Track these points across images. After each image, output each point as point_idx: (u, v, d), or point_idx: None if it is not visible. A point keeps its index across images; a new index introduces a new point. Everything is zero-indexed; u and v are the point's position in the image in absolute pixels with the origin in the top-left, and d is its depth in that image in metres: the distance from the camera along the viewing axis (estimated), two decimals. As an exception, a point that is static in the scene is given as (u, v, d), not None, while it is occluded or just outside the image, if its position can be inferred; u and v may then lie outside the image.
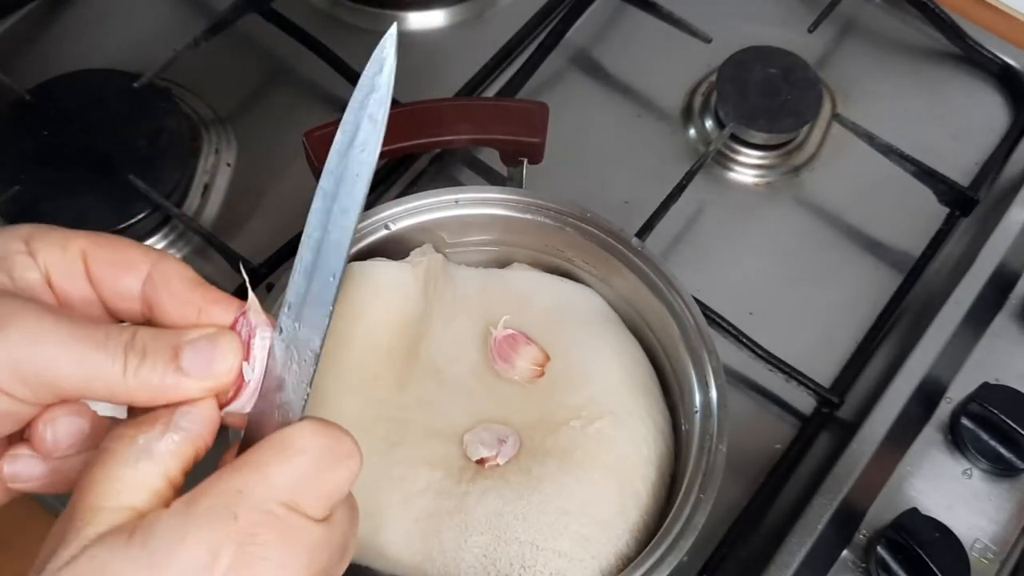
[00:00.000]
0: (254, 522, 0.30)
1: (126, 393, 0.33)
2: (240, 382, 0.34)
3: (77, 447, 0.34)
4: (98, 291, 0.36)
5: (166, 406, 0.33)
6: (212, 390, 0.34)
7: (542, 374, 0.53)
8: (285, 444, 0.32)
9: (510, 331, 0.54)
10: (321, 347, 0.33)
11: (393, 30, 0.33)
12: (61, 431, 0.34)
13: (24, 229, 0.36)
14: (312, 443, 0.32)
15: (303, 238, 0.33)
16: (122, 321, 0.37)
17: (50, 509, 0.57)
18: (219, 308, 0.35)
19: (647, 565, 0.46)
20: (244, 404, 0.34)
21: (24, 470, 0.35)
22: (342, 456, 0.33)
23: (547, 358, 0.53)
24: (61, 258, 0.35)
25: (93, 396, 0.33)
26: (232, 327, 0.35)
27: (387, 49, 0.33)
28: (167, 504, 0.31)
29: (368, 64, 0.33)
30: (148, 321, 0.36)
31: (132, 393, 0.33)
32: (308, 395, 0.33)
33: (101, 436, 0.34)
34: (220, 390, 0.34)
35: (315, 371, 0.33)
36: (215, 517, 0.30)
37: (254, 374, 0.34)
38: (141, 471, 0.31)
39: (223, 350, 0.34)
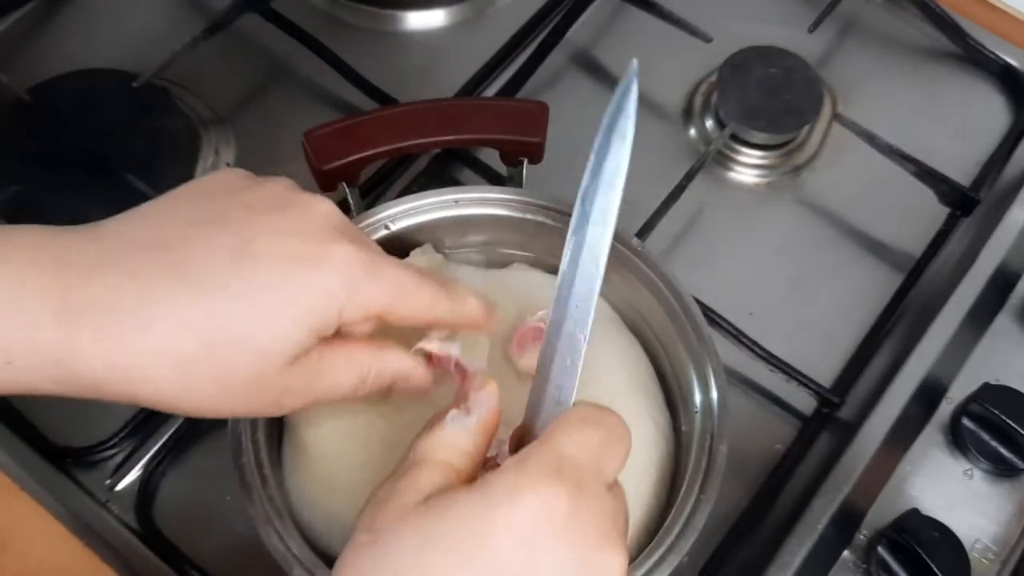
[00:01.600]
0: (576, 480, 0.35)
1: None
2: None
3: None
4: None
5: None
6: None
7: None
8: (587, 417, 0.38)
9: (541, 324, 0.54)
10: (586, 341, 0.41)
11: (634, 66, 0.44)
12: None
13: (345, 285, 0.40)
14: (603, 418, 0.38)
15: (565, 252, 0.41)
16: None
17: (51, 509, 0.57)
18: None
19: (647, 565, 0.46)
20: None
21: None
22: (623, 434, 0.38)
23: None
24: (358, 318, 0.41)
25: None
26: None
27: (630, 83, 0.44)
28: (477, 465, 0.39)
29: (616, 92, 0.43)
30: None
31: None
32: (578, 380, 0.40)
33: None
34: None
35: (582, 361, 0.41)
36: (544, 473, 0.35)
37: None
38: (455, 436, 0.39)
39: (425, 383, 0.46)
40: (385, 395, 0.45)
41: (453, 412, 0.40)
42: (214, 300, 0.38)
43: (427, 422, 0.40)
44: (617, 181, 0.43)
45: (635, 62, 0.42)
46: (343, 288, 0.40)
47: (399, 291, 0.42)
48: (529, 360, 0.53)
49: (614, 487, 0.37)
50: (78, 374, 0.37)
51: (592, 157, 0.42)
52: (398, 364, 0.44)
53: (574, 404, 0.40)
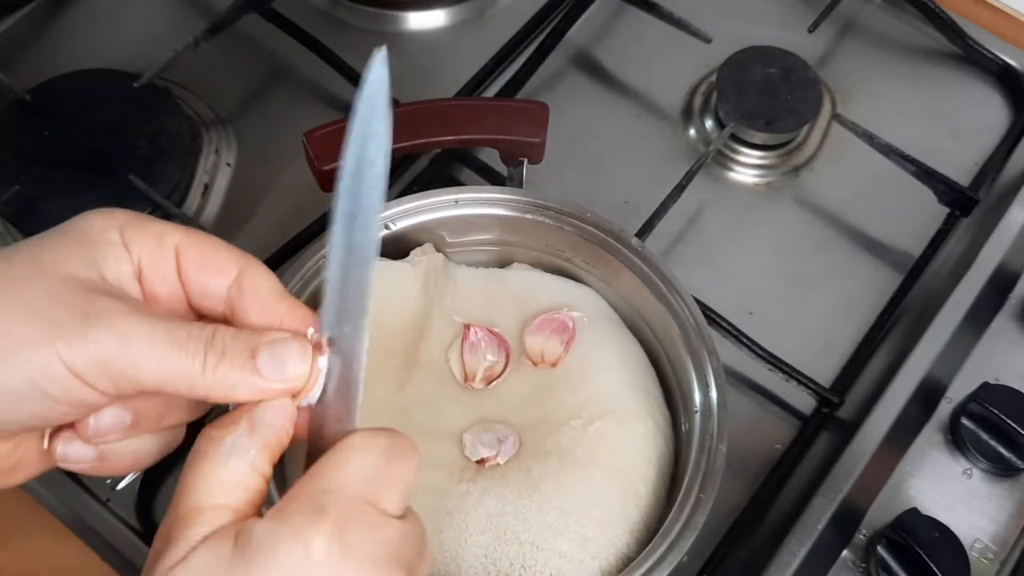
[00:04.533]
0: (341, 516, 0.32)
1: (204, 389, 0.34)
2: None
3: (117, 436, 0.36)
4: (185, 287, 0.37)
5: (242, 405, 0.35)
6: (284, 392, 0.35)
7: (552, 365, 0.53)
8: (355, 445, 0.34)
9: (567, 319, 0.54)
10: (364, 361, 0.36)
11: (382, 53, 0.35)
12: (104, 419, 0.36)
13: (119, 216, 0.37)
14: (376, 442, 0.34)
15: (328, 259, 0.35)
16: (202, 317, 0.38)
17: (51, 508, 0.57)
18: (299, 320, 0.37)
19: (647, 565, 0.46)
20: (311, 398, 0.36)
21: (75, 453, 0.37)
22: (405, 451, 0.35)
23: (556, 363, 0.53)
24: (155, 252, 0.37)
25: (172, 391, 0.35)
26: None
27: (375, 70, 0.35)
28: (261, 498, 0.34)
29: (362, 83, 0.35)
30: (227, 320, 0.37)
31: (209, 389, 0.34)
32: (359, 405, 0.36)
33: (145, 426, 0.37)
34: (292, 391, 0.36)
35: (362, 382, 0.36)
36: (305, 515, 0.32)
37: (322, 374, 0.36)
38: (233, 468, 0.33)
39: (297, 355, 0.35)
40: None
41: (229, 440, 0.34)
42: None
43: (195, 449, 0.34)
44: (378, 181, 0.36)
45: (383, 48, 0.35)
46: (107, 217, 0.36)
47: (183, 228, 0.37)
48: (532, 343, 0.53)
49: (403, 514, 0.34)
50: None
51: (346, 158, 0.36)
52: (261, 334, 0.36)
53: (351, 433, 0.35)
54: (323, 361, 0.36)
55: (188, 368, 0.34)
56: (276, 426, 0.35)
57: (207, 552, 0.32)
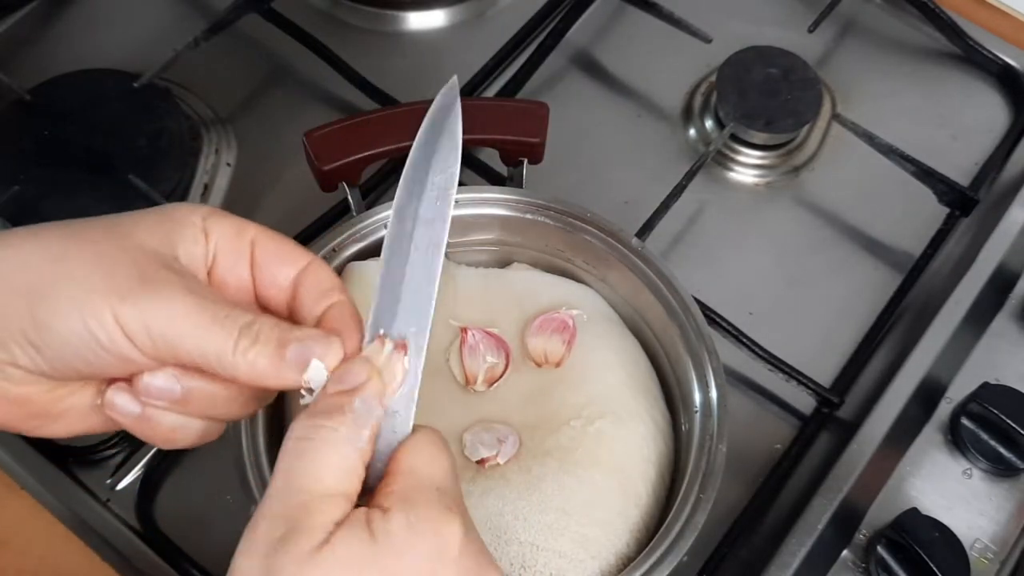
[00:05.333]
0: (460, 509, 0.35)
1: (232, 368, 0.36)
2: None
3: (164, 403, 0.38)
4: (256, 276, 0.40)
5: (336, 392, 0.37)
6: (303, 387, 0.37)
7: (556, 365, 0.53)
8: (437, 443, 0.37)
9: (567, 318, 0.54)
10: (421, 367, 0.38)
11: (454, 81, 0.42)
12: (156, 382, 0.38)
13: (204, 208, 0.40)
14: (441, 438, 0.37)
15: (386, 260, 0.39)
16: (267, 310, 0.40)
17: (51, 508, 0.57)
18: (348, 318, 0.39)
19: (647, 565, 0.46)
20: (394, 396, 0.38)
21: (121, 403, 0.38)
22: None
23: (560, 363, 0.53)
24: (232, 241, 0.39)
25: (204, 365, 0.36)
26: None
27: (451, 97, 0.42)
28: (361, 485, 0.35)
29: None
30: (289, 317, 0.40)
31: (236, 369, 0.36)
32: (416, 405, 0.38)
33: (193, 407, 0.39)
34: (306, 388, 0.37)
35: (419, 383, 0.38)
36: (436, 509, 0.34)
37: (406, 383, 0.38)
38: (348, 458, 0.35)
39: (324, 353, 0.37)
40: None
41: (343, 431, 0.35)
42: None
43: (304, 437, 0.35)
44: (449, 197, 0.40)
45: (454, 78, 0.41)
46: (193, 207, 0.39)
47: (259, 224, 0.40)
48: (534, 344, 0.53)
49: None
50: None
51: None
52: (292, 329, 0.38)
53: (414, 429, 0.37)
54: (407, 361, 0.37)
55: (222, 344, 0.36)
56: (376, 416, 0.36)
57: (348, 537, 0.33)
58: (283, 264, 0.40)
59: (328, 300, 0.39)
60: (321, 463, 0.35)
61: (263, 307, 0.40)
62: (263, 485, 0.46)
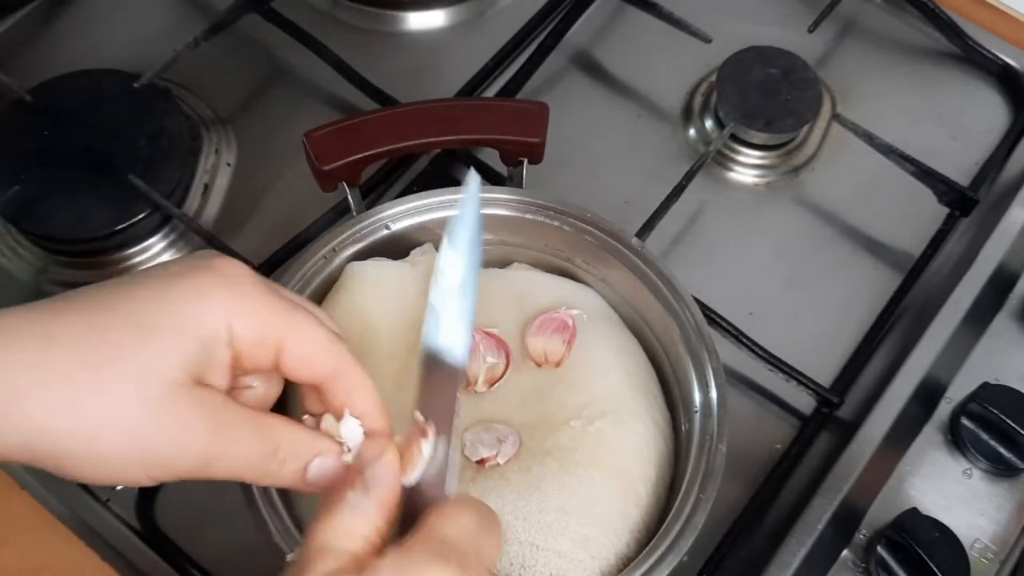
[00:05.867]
0: (460, 562, 0.36)
1: (269, 481, 0.40)
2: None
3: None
4: (281, 371, 0.41)
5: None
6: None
7: (556, 365, 0.53)
8: (463, 504, 0.39)
9: (567, 318, 0.54)
10: (454, 445, 0.41)
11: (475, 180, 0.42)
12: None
13: (224, 302, 0.39)
14: (479, 507, 0.39)
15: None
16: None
17: (51, 508, 0.57)
18: (378, 415, 0.42)
19: (647, 565, 0.46)
20: (413, 479, 0.40)
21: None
22: (497, 523, 0.39)
23: (560, 363, 0.53)
24: (255, 348, 0.40)
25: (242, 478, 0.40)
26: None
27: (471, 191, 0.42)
28: (376, 549, 0.37)
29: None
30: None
31: (272, 481, 0.40)
32: (455, 472, 0.41)
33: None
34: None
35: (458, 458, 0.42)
36: (429, 556, 0.36)
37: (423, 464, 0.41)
38: (353, 520, 0.38)
39: (333, 467, 0.41)
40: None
41: (350, 495, 0.38)
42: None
43: (324, 503, 0.39)
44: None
45: (474, 175, 0.42)
46: (223, 302, 0.39)
47: (291, 318, 0.40)
48: (535, 344, 0.53)
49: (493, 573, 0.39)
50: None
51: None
52: (315, 442, 0.41)
53: (451, 496, 0.40)
54: (427, 447, 0.40)
55: (263, 468, 0.40)
56: (385, 487, 0.39)
57: None
58: (308, 372, 0.41)
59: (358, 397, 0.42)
60: (330, 524, 0.37)
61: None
62: (269, 503, 0.46)
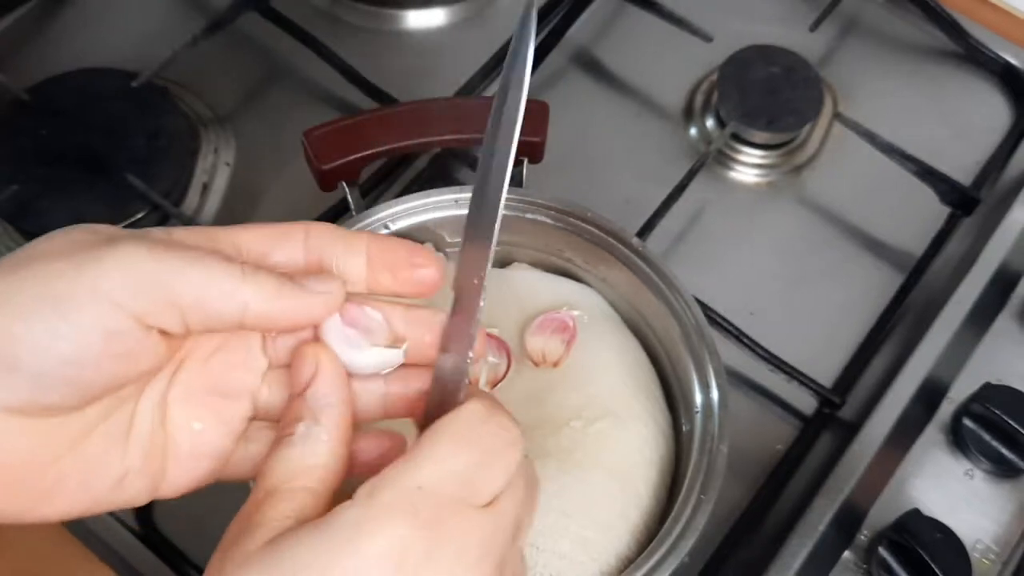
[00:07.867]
0: (434, 517, 0.31)
1: (241, 296, 0.33)
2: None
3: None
4: (191, 329, 0.35)
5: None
6: (325, 305, 0.35)
7: (555, 365, 0.53)
8: (458, 435, 0.33)
9: (567, 318, 0.53)
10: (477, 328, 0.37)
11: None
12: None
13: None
14: (484, 431, 0.33)
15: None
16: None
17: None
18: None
19: (647, 566, 0.46)
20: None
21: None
22: (509, 443, 0.34)
23: (558, 363, 0.53)
24: (157, 313, 0.34)
25: (210, 304, 0.33)
26: None
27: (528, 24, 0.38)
28: (338, 478, 0.34)
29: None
30: None
31: (248, 303, 0.34)
32: (470, 360, 0.36)
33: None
34: (334, 306, 0.36)
35: (475, 344, 0.37)
36: (397, 511, 0.31)
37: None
38: (308, 452, 0.34)
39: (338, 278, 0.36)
40: None
41: (301, 428, 0.34)
42: None
43: (274, 438, 0.35)
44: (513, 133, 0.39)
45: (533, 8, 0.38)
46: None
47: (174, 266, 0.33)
48: (533, 344, 0.53)
49: (494, 502, 0.33)
50: None
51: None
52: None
53: (465, 403, 0.34)
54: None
55: (226, 272, 0.33)
56: (335, 402, 0.35)
57: (298, 534, 0.31)
58: (206, 317, 0.35)
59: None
60: (281, 460, 0.34)
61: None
62: None
